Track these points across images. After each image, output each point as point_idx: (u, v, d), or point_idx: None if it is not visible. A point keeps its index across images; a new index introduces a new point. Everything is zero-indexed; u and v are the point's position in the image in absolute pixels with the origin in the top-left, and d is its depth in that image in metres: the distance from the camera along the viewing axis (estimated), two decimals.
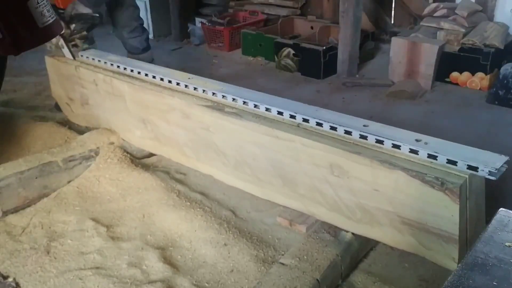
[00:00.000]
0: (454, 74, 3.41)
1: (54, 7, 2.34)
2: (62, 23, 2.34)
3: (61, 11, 2.50)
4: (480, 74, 3.32)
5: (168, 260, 1.78)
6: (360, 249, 1.76)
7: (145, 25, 4.70)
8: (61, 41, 2.45)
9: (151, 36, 4.70)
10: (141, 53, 3.16)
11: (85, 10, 2.53)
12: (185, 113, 2.06)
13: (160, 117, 2.19)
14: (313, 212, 1.83)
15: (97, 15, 2.58)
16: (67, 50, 2.50)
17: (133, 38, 3.13)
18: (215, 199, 2.14)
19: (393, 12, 4.38)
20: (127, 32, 3.11)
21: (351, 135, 1.64)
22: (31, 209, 2.09)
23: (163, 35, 4.74)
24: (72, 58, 2.51)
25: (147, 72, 2.25)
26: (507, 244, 0.89)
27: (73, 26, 2.54)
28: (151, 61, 3.06)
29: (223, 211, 2.04)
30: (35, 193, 2.13)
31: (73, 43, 2.54)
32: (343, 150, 1.60)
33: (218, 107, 1.97)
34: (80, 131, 2.62)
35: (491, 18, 3.58)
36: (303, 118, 1.75)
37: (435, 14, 3.64)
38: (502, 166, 1.40)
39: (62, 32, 2.34)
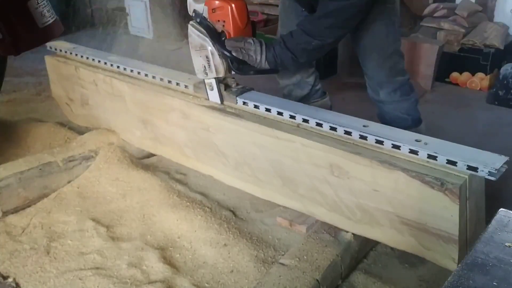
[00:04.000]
0: (454, 75, 3.42)
1: (221, 44, 1.80)
2: (224, 64, 1.84)
3: (227, 53, 1.82)
4: (480, 75, 3.32)
5: (168, 260, 1.78)
6: (360, 250, 1.76)
7: (145, 25, 4.79)
8: (212, 81, 1.92)
9: (151, 36, 4.71)
10: (410, 127, 1.91)
11: (265, 67, 1.82)
12: (185, 113, 2.06)
13: (160, 117, 2.19)
14: (313, 213, 1.83)
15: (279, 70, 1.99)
16: (216, 92, 1.96)
17: (395, 103, 2.03)
18: (215, 199, 2.14)
19: None
20: (386, 93, 2.01)
21: (351, 135, 1.64)
22: (31, 209, 2.09)
23: (163, 35, 4.74)
24: (219, 102, 1.97)
25: (147, 73, 2.25)
26: (507, 244, 0.89)
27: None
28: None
29: (223, 211, 2.04)
30: (35, 193, 2.13)
31: (224, 82, 1.98)
32: (343, 151, 1.60)
33: (218, 108, 1.97)
34: (80, 131, 2.62)
35: (491, 19, 3.58)
36: (303, 119, 1.75)
37: (435, 15, 3.64)
38: (502, 166, 1.40)
39: (220, 76, 1.89)
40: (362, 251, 1.79)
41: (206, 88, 1.97)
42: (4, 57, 2.25)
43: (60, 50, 2.62)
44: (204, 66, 1.88)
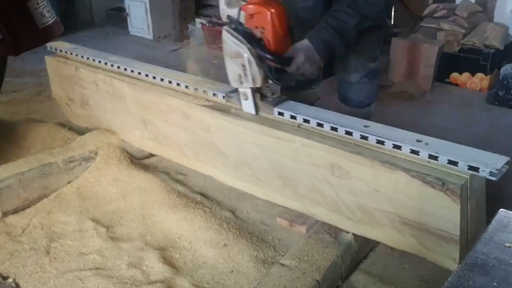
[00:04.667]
0: (454, 75, 3.42)
1: (263, 49, 1.70)
2: (262, 73, 1.74)
3: (272, 57, 1.71)
4: (480, 75, 3.32)
5: (168, 261, 1.78)
6: (360, 250, 1.76)
7: (144, 26, 4.79)
8: (247, 90, 1.82)
9: (151, 36, 4.71)
10: (365, 107, 2.21)
11: (317, 64, 1.79)
12: (185, 113, 2.06)
13: (160, 117, 2.19)
14: (313, 213, 1.83)
15: (317, 86, 2.00)
16: (251, 102, 1.85)
17: (361, 85, 2.16)
18: (215, 200, 2.14)
19: (393, 12, 4.38)
20: (359, 76, 2.14)
21: (352, 135, 1.63)
22: (31, 209, 2.09)
23: (163, 35, 4.75)
24: (253, 112, 1.87)
25: (147, 73, 2.25)
26: (507, 244, 0.89)
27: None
28: (370, 117, 2.08)
29: (223, 212, 2.04)
30: (35, 194, 2.13)
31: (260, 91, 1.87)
32: (343, 151, 1.60)
33: (219, 108, 1.97)
34: (80, 131, 2.62)
35: (491, 19, 3.58)
36: (303, 119, 1.75)
37: (435, 15, 3.64)
38: (503, 166, 1.39)
39: (258, 86, 1.78)
40: (362, 252, 1.79)
41: (240, 97, 1.87)
42: (4, 57, 2.25)
43: (60, 51, 2.62)
44: (240, 75, 1.78)
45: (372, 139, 1.59)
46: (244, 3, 1.75)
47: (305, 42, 1.78)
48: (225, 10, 1.80)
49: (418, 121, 2.89)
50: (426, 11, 3.73)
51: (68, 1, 5.19)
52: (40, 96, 3.24)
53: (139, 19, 4.74)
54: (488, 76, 3.29)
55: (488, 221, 0.97)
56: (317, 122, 1.72)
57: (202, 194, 2.18)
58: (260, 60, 1.73)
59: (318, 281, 1.55)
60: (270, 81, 1.80)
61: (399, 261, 1.77)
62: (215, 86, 2.05)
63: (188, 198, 2.12)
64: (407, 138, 1.56)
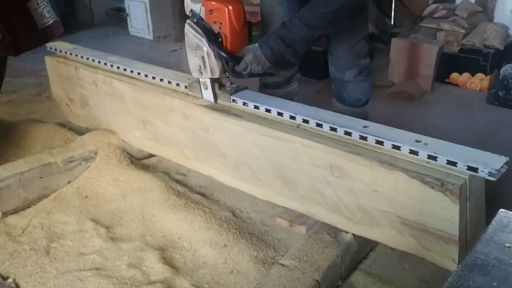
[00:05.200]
0: (454, 75, 3.42)
1: (219, 46, 1.83)
2: (219, 66, 1.87)
3: (226, 56, 1.84)
4: (480, 75, 3.32)
5: (168, 261, 1.78)
6: (360, 250, 1.76)
7: (144, 26, 4.79)
8: (207, 81, 1.94)
9: (151, 37, 4.71)
10: (360, 107, 2.26)
11: (265, 66, 1.87)
12: (185, 113, 2.06)
13: (160, 117, 2.19)
14: (313, 213, 1.83)
15: (272, 73, 2.03)
16: (210, 91, 1.97)
17: (356, 83, 2.21)
18: (215, 200, 2.14)
19: (393, 13, 4.39)
20: (352, 74, 2.20)
21: (351, 136, 1.63)
22: (31, 210, 2.09)
23: (163, 35, 4.75)
24: (212, 101, 1.99)
25: (147, 73, 2.25)
26: (507, 245, 0.89)
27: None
28: (366, 117, 2.16)
29: (223, 212, 2.04)
30: (35, 194, 2.13)
31: (218, 81, 1.99)
32: (343, 151, 1.60)
33: (218, 108, 1.97)
34: (80, 132, 2.62)
35: (491, 19, 3.58)
36: (303, 119, 1.75)
37: (435, 15, 3.64)
38: (502, 167, 1.39)
39: (215, 77, 1.91)
40: (362, 252, 1.79)
41: (200, 87, 1.99)
42: (4, 57, 2.25)
43: (60, 51, 2.62)
44: (200, 66, 1.90)
45: (371, 140, 1.59)
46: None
47: (256, 45, 1.87)
48: (189, 5, 1.90)
49: (417, 121, 2.89)
50: (426, 11, 3.73)
51: (68, 1, 5.19)
52: (40, 96, 3.24)
53: (139, 19, 4.74)
54: (488, 77, 3.29)
55: (488, 222, 0.97)
56: (316, 123, 1.72)
57: (202, 194, 2.18)
58: (219, 55, 1.85)
59: (318, 281, 1.55)
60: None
61: (399, 261, 1.77)
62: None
63: (188, 198, 2.12)
64: (406, 139, 1.56)
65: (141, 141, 2.38)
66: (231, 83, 1.99)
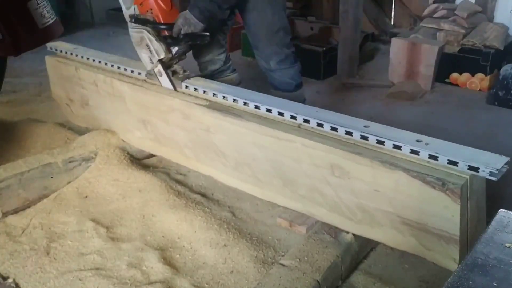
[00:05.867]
0: (454, 75, 3.42)
1: (154, 24, 2.04)
2: (162, 45, 2.03)
3: (162, 27, 2.05)
4: (480, 75, 3.32)
5: (168, 261, 1.78)
6: (360, 250, 1.76)
7: None
8: (159, 67, 2.08)
9: None
10: (293, 91, 2.48)
11: (197, 26, 2.04)
12: (185, 113, 2.06)
13: (160, 118, 2.19)
14: (313, 213, 1.83)
15: (208, 34, 2.09)
16: (166, 78, 2.11)
17: (282, 70, 2.44)
18: (215, 200, 2.14)
19: (393, 13, 4.39)
20: (276, 63, 2.41)
21: (352, 135, 1.63)
22: (31, 210, 2.09)
23: None
24: (172, 88, 2.11)
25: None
26: (507, 245, 0.89)
27: (175, 48, 2.07)
28: (303, 100, 2.45)
29: (223, 212, 2.04)
30: (35, 194, 2.13)
31: (172, 69, 2.13)
32: (343, 151, 1.60)
33: (219, 108, 1.97)
34: (80, 132, 2.62)
35: (491, 19, 3.58)
36: (304, 119, 1.75)
37: (435, 15, 3.64)
38: (503, 166, 1.39)
39: (162, 57, 2.04)
40: (363, 252, 1.78)
41: (156, 76, 2.13)
42: (4, 57, 2.25)
43: (61, 51, 2.62)
44: (149, 57, 2.06)
45: (372, 139, 1.59)
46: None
47: (186, 11, 2.06)
48: (126, 13, 2.13)
49: (418, 121, 2.89)
50: (426, 11, 3.74)
51: (68, 1, 5.19)
52: (40, 97, 3.25)
53: None
54: (488, 77, 3.29)
55: (488, 222, 0.97)
56: (317, 122, 1.72)
57: (202, 194, 2.17)
58: (158, 36, 2.03)
59: (318, 281, 1.55)
60: (173, 51, 2.07)
61: (399, 261, 1.77)
62: (215, 86, 2.07)
63: (188, 198, 2.12)
64: (407, 138, 1.56)
65: (141, 141, 2.38)
66: (184, 71, 2.14)
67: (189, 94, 2.09)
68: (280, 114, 1.81)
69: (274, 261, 1.75)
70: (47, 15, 1.59)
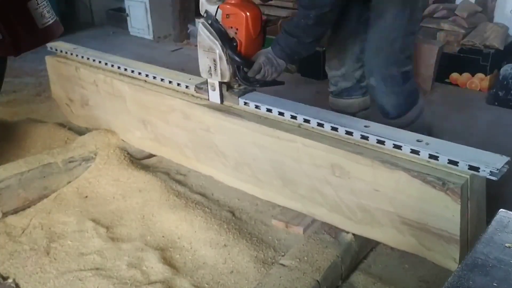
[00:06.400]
0: (454, 75, 3.42)
1: (232, 50, 1.81)
2: (230, 70, 1.85)
3: (239, 60, 1.82)
4: (480, 75, 3.32)
5: (168, 261, 1.78)
6: (360, 250, 1.76)
7: (144, 26, 4.79)
8: (216, 83, 1.92)
9: (151, 37, 4.72)
10: (396, 117, 1.95)
11: (281, 65, 1.84)
12: (186, 113, 2.06)
13: (160, 118, 2.19)
14: (314, 213, 1.83)
15: (283, 82, 1.93)
16: (218, 93, 1.95)
17: (385, 90, 1.94)
18: (215, 200, 2.14)
19: None
20: (377, 80, 1.93)
21: (352, 135, 1.63)
22: (31, 210, 2.09)
23: (163, 35, 4.75)
24: (219, 102, 1.97)
25: (147, 73, 2.25)
26: (507, 245, 0.89)
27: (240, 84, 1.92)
28: (417, 125, 1.96)
29: (223, 212, 2.04)
30: (35, 194, 2.13)
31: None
32: (344, 151, 1.60)
33: (219, 108, 1.97)
34: (80, 132, 2.62)
35: (491, 19, 3.58)
36: (304, 119, 1.75)
37: (435, 15, 3.64)
38: (503, 166, 1.40)
39: (224, 81, 1.88)
40: (363, 252, 1.78)
41: (208, 88, 1.97)
42: (4, 57, 2.25)
43: (61, 51, 2.62)
44: (210, 67, 1.88)
45: (372, 139, 1.59)
46: (221, 2, 1.83)
47: (269, 48, 1.85)
48: (204, 5, 1.86)
49: (417, 122, 2.88)
50: (426, 11, 3.73)
51: (68, 1, 5.19)
52: (40, 97, 3.24)
53: (139, 19, 4.74)
54: (488, 77, 3.28)
55: (488, 221, 0.97)
56: (317, 122, 1.72)
57: (202, 195, 2.17)
58: (231, 59, 1.82)
59: (318, 281, 1.55)
60: (238, 82, 1.92)
61: (399, 261, 1.76)
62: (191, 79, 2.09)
63: (188, 198, 2.12)
64: (407, 138, 1.56)
65: (141, 141, 2.38)
66: (239, 85, 1.96)
67: (191, 95, 2.05)
68: (281, 114, 1.81)
69: (274, 261, 1.75)
70: (47, 15, 1.59)
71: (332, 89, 2.18)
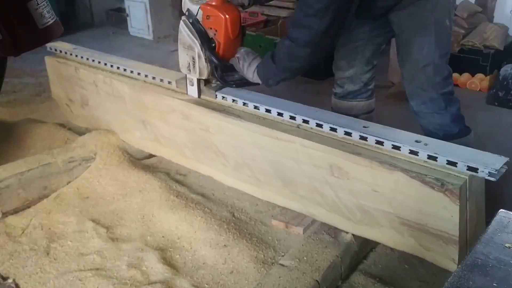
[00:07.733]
0: (454, 75, 3.40)
1: (210, 50, 1.87)
2: (208, 69, 1.91)
3: (216, 62, 1.88)
4: (479, 75, 3.32)
5: (168, 261, 1.78)
6: (360, 250, 1.76)
7: (144, 26, 4.79)
8: (194, 78, 1.99)
9: (151, 37, 4.72)
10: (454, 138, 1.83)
11: (255, 80, 1.88)
12: (185, 114, 2.06)
13: (160, 118, 2.19)
14: (313, 213, 1.83)
15: (260, 83, 1.92)
16: (196, 88, 2.02)
17: (426, 115, 1.91)
18: (215, 200, 2.14)
19: None
20: (416, 105, 1.92)
21: (351, 136, 1.64)
22: (31, 210, 2.09)
23: (163, 36, 4.75)
24: (196, 96, 2.04)
25: (147, 73, 2.25)
26: (507, 245, 0.89)
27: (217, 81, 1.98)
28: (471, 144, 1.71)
29: (223, 212, 2.04)
30: (35, 194, 2.13)
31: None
32: (343, 151, 1.60)
33: (218, 108, 1.97)
34: (80, 132, 2.62)
35: (490, 19, 3.58)
36: (303, 119, 1.75)
37: None
38: (502, 167, 1.40)
39: (202, 78, 1.96)
40: (362, 252, 1.79)
41: (187, 82, 2.04)
42: (4, 58, 2.25)
43: (60, 51, 2.62)
44: (189, 64, 1.93)
45: (371, 140, 1.59)
46: (202, 2, 1.88)
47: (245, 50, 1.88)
48: (187, 4, 1.92)
49: (417, 122, 2.88)
50: None
51: (68, 1, 5.19)
52: (40, 97, 3.24)
53: (139, 19, 4.74)
54: (488, 77, 3.29)
55: (488, 222, 0.97)
56: (316, 123, 1.72)
57: (202, 195, 2.17)
58: (209, 58, 1.88)
59: (317, 281, 1.55)
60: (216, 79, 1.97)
61: (399, 261, 1.77)
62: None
63: (188, 198, 2.12)
64: (406, 139, 1.56)
65: (141, 141, 2.38)
66: (216, 80, 2.00)
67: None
68: (280, 114, 1.81)
69: (274, 261, 1.75)
70: (47, 15, 1.59)
71: (337, 91, 2.14)
